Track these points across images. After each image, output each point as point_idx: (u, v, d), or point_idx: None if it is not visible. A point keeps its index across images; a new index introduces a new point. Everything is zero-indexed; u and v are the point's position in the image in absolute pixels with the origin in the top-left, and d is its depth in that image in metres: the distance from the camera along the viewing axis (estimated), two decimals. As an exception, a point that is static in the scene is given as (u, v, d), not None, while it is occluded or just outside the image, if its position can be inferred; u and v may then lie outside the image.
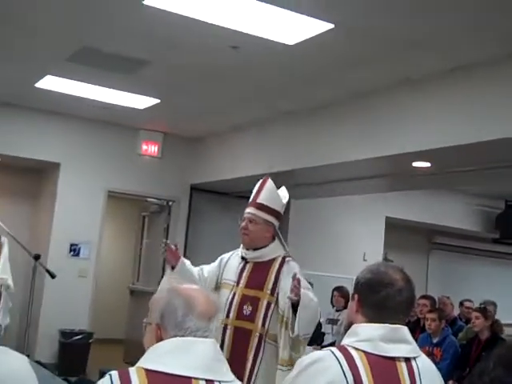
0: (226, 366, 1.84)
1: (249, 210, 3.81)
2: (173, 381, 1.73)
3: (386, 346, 1.92)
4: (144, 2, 4.83)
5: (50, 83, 7.36)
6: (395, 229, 11.26)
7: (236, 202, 9.98)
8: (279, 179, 7.89)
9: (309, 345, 7.64)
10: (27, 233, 8.78)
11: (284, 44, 5.45)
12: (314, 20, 4.93)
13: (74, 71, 6.87)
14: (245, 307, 3.65)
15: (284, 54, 5.68)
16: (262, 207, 3.77)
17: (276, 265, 3.69)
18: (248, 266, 3.78)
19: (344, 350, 1.92)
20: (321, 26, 5.03)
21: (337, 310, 8.32)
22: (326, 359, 1.89)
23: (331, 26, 5.00)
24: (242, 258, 3.79)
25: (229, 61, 6.05)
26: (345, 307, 8.02)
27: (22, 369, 1.62)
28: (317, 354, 1.95)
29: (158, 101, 7.73)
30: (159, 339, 1.84)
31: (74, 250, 8.74)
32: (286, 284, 3.52)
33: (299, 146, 7.59)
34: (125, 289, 10.38)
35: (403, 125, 6.26)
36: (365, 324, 1.98)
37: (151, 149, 9.41)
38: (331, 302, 8.46)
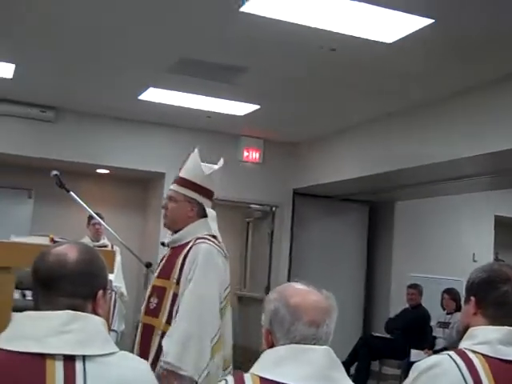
0: (344, 374, 1.79)
1: (171, 186, 3.32)
2: None
3: (505, 349, 1.83)
4: (241, 10, 4.87)
5: (153, 95, 7.57)
6: (506, 228, 10.84)
7: (340, 205, 9.93)
8: (383, 180, 7.71)
9: (420, 349, 7.54)
10: (137, 242, 9.03)
11: (382, 42, 5.37)
12: (412, 16, 4.83)
13: (175, 82, 7.03)
14: (152, 300, 3.11)
15: (382, 52, 5.59)
16: (182, 182, 3.24)
17: (187, 248, 3.06)
18: (167, 253, 3.26)
19: (463, 354, 1.84)
20: (420, 22, 4.92)
21: (448, 313, 8.09)
22: (444, 363, 1.82)
23: (431, 21, 4.87)
24: (162, 243, 3.32)
25: (327, 63, 6.01)
26: (456, 310, 7.78)
27: (146, 373, 1.65)
28: (434, 358, 1.88)
29: (257, 107, 7.78)
30: (270, 344, 1.82)
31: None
32: (185, 271, 2.98)
33: (404, 145, 7.45)
34: (232, 295, 10.48)
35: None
36: (482, 327, 1.89)
37: (253, 155, 9.49)
38: (441, 304, 8.24)
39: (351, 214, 10.04)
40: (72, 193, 4.21)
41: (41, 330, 1.54)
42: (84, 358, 1.53)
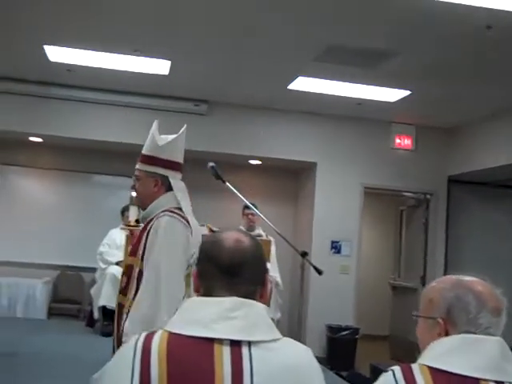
0: None
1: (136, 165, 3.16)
2: (459, 381, 1.64)
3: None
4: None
5: (302, 84, 7.59)
6: None
7: (497, 192, 9.47)
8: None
9: None
10: (290, 232, 9.11)
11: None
12: None
13: (323, 70, 7.00)
14: (123, 279, 3.01)
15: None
16: (142, 158, 3.10)
17: (151, 223, 2.94)
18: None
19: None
20: None
21: None
22: None
23: None
24: (136, 220, 3.25)
25: (482, 42, 5.74)
26: None
27: (309, 359, 1.65)
28: None
29: (408, 92, 7.59)
30: (445, 334, 1.76)
31: (335, 248, 8.92)
32: (148, 246, 2.86)
33: None
34: (386, 285, 10.35)
35: None
36: None
37: (404, 142, 9.28)
38: None
39: (508, 201, 9.56)
40: (228, 183, 4.30)
41: (209, 316, 1.58)
42: (249, 343, 1.56)
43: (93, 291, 6.46)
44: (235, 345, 1.55)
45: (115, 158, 9.17)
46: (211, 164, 4.36)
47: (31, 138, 8.78)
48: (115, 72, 7.48)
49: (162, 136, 3.10)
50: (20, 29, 6.29)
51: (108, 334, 6.02)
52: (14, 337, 5.80)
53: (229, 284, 1.64)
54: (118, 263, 6.25)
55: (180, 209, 2.94)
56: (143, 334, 1.61)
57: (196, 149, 8.60)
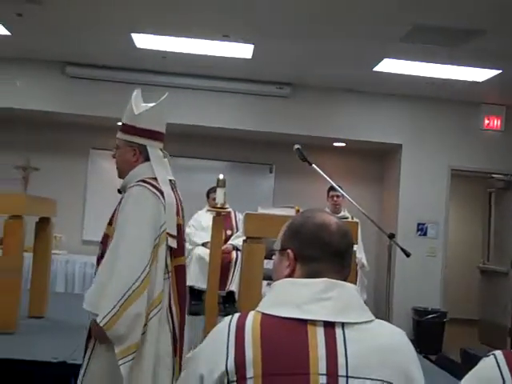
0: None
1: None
2: None
3: None
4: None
5: (388, 66, 7.47)
6: None
7: None
8: None
9: None
10: (375, 214, 9.03)
11: None
12: None
13: (409, 51, 6.88)
14: (100, 247, 2.95)
15: None
16: (121, 127, 2.99)
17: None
18: None
19: None
20: None
21: None
22: None
23: None
24: (118, 190, 3.05)
25: None
26: None
27: (403, 341, 1.65)
28: None
29: (499, 71, 7.35)
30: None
31: (422, 230, 8.79)
32: (118, 215, 2.81)
33: None
34: (474, 268, 10.12)
35: None
36: None
37: (494, 123, 9.01)
38: None
39: None
40: (314, 165, 4.30)
41: (302, 297, 1.59)
42: (343, 324, 1.57)
43: (180, 271, 6.63)
44: (329, 326, 1.56)
45: (201, 142, 9.32)
46: (297, 146, 4.35)
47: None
48: (201, 57, 7.58)
49: (142, 105, 3.00)
50: (108, 17, 6.48)
51: (196, 313, 6.15)
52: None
53: (339, 267, 1.66)
54: (204, 244, 6.38)
55: (155, 179, 2.86)
56: (236, 315, 1.64)
57: (280, 131, 8.64)
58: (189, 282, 6.37)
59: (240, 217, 6.51)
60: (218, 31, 6.68)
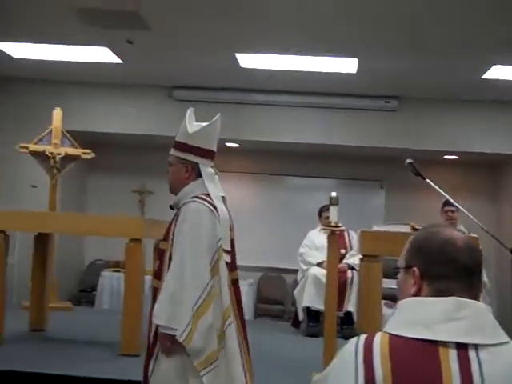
0: None
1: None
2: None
3: None
4: None
5: (498, 73, 7.23)
6: None
7: None
8: None
9: None
10: (492, 229, 8.68)
11: None
12: None
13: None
14: (155, 263, 3.04)
15: None
16: (175, 144, 3.09)
17: (181, 208, 2.97)
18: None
19: None
20: None
21: None
22: None
23: None
24: (170, 206, 3.11)
25: None
26: None
27: None
28: None
29: None
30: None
31: (545, 243, 8.39)
32: (176, 232, 2.88)
33: None
34: None
35: None
36: None
37: None
38: None
39: None
40: (428, 180, 4.21)
41: (432, 317, 1.52)
42: (476, 346, 1.49)
43: (296, 292, 6.59)
44: (461, 347, 1.48)
45: (309, 160, 9.33)
46: (409, 160, 4.29)
47: (228, 144, 9.19)
48: (306, 74, 7.61)
49: (196, 123, 3.11)
50: (213, 39, 6.62)
51: (313, 335, 6.12)
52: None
53: (467, 285, 1.58)
54: (318, 264, 6.34)
55: (208, 195, 2.94)
56: (362, 336, 1.59)
57: (388, 146, 8.52)
58: (305, 303, 6.37)
59: (353, 235, 6.44)
60: (322, 47, 6.68)
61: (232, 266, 2.95)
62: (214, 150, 3.11)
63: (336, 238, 4.68)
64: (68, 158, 7.05)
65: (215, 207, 2.92)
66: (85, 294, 9.47)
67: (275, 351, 5.48)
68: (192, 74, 8.09)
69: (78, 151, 7.11)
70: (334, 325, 4.61)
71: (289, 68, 7.42)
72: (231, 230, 3.01)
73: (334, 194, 4.61)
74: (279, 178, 9.65)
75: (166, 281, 2.81)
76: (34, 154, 6.87)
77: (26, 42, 7.16)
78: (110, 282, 8.99)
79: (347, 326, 6.11)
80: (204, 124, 3.10)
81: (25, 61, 7.82)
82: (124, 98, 8.80)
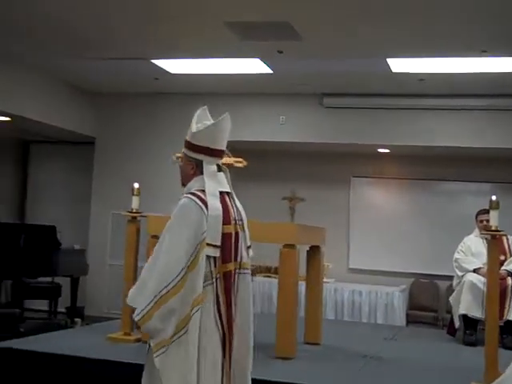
0: None
1: None
2: None
3: None
4: None
5: None
6: None
7: None
8: None
9: None
10: None
11: None
12: None
13: None
14: None
15: None
16: (184, 142, 3.21)
17: None
18: None
19: None
20: None
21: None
22: None
23: None
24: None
25: None
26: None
27: None
28: None
29: None
30: None
31: None
32: None
33: None
34: None
35: None
36: None
37: None
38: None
39: None
40: None
41: None
42: None
43: (452, 299, 6.40)
44: None
45: (462, 164, 9.07)
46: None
47: (379, 150, 9.13)
48: (459, 76, 7.43)
49: (206, 122, 3.19)
50: (364, 45, 6.62)
51: (471, 344, 5.93)
52: (377, 341, 6.04)
53: None
54: (475, 270, 6.14)
55: (203, 191, 3.04)
56: None
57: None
58: (462, 310, 6.18)
59: (513, 240, 6.17)
60: (476, 47, 6.48)
61: (226, 258, 3.05)
62: (220, 148, 3.18)
63: (496, 243, 4.50)
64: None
65: (205, 203, 3.02)
66: (237, 299, 9.73)
67: (430, 359, 5.38)
68: (342, 81, 8.12)
69: (230, 160, 7.29)
70: (496, 334, 4.42)
71: (440, 71, 7.28)
72: (228, 223, 3.09)
73: (494, 197, 4.44)
74: (431, 182, 9.45)
75: (144, 268, 3.04)
76: (188, 162, 7.18)
77: (182, 58, 7.52)
78: (262, 287, 9.19)
79: (507, 336, 5.85)
80: (208, 123, 3.19)
81: (181, 76, 8.22)
82: (274, 106, 9.00)
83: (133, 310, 2.98)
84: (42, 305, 9.05)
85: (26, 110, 8.32)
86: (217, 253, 3.00)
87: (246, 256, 3.18)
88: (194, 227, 2.96)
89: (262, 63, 7.45)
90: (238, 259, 3.11)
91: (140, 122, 9.44)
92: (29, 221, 10.34)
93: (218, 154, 3.17)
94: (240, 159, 7.24)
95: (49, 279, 8.84)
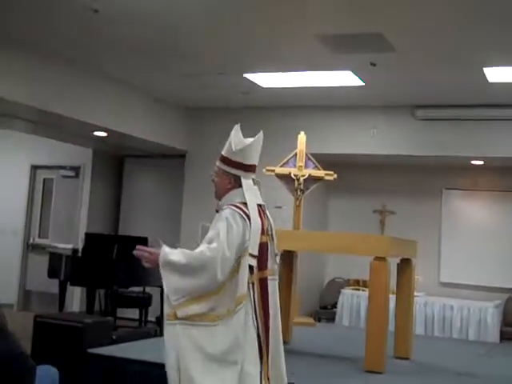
0: None
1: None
2: None
3: None
4: None
5: None
6: None
7: None
8: None
9: None
10: None
11: None
12: None
13: None
14: None
15: None
16: (220, 157, 3.52)
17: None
18: None
19: None
20: None
21: None
22: None
23: None
24: (216, 210, 3.50)
25: None
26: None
27: None
28: None
29: None
30: None
31: None
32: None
33: None
34: None
35: None
36: None
37: None
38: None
39: None
40: None
41: None
42: None
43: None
44: None
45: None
46: None
47: (473, 162, 8.93)
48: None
49: (241, 140, 3.50)
50: (460, 55, 6.50)
51: None
52: (469, 358, 5.89)
53: None
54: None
55: (245, 204, 3.34)
56: None
57: None
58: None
59: None
60: None
61: (261, 266, 3.32)
62: (254, 163, 3.52)
63: None
64: (311, 180, 7.27)
65: (248, 216, 3.30)
66: (325, 311, 9.71)
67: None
68: (435, 92, 7.99)
69: (321, 173, 7.32)
70: None
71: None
72: (264, 234, 3.37)
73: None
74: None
75: (203, 254, 3.19)
76: (280, 176, 7.20)
77: (274, 71, 7.59)
78: (350, 300, 9.13)
79: None
80: (247, 142, 3.50)
81: (272, 89, 8.29)
82: (365, 119, 8.95)
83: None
84: (133, 313, 9.27)
85: (122, 125, 8.61)
86: (254, 262, 3.27)
87: (274, 263, 3.45)
88: (238, 236, 3.24)
89: (353, 75, 7.42)
90: (269, 266, 3.39)
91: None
92: (122, 232, 10.63)
93: (253, 169, 3.52)
94: (330, 172, 7.25)
95: (140, 289, 9.04)
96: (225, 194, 3.47)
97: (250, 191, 3.44)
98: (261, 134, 3.58)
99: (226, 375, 3.12)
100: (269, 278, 3.36)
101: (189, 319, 3.18)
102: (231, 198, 3.41)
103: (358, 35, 6.03)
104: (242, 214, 3.29)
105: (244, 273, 3.21)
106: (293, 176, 6.98)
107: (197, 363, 3.11)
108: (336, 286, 9.73)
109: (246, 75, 7.76)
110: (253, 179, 3.51)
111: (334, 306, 9.37)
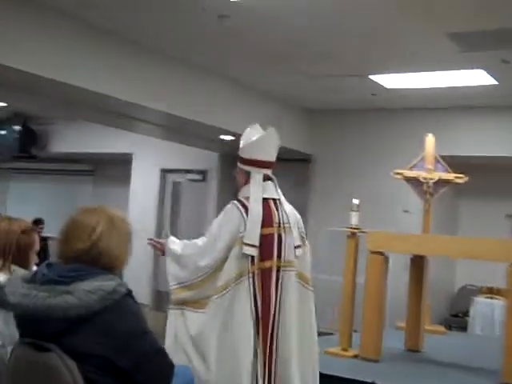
0: None
1: None
2: None
3: None
4: None
5: None
6: None
7: None
8: None
9: None
10: None
11: None
12: None
13: None
14: None
15: None
16: (238, 155, 3.68)
17: None
18: None
19: None
20: None
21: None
22: None
23: None
24: None
25: None
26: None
27: None
28: None
29: None
30: None
31: None
32: None
33: None
34: None
35: None
36: None
37: None
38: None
39: None
40: None
41: None
42: None
43: None
44: None
45: None
46: None
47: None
48: None
49: (249, 136, 3.63)
50: None
51: None
52: None
53: None
54: None
55: (248, 198, 3.47)
56: None
57: None
58: None
59: None
60: None
61: (264, 256, 3.39)
62: (266, 159, 3.62)
63: None
64: (440, 183, 7.07)
65: (246, 208, 3.43)
66: (456, 319, 9.41)
67: None
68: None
69: (450, 176, 7.09)
70: None
71: None
72: (271, 226, 3.45)
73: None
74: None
75: (196, 244, 3.59)
76: (408, 179, 7.03)
77: (399, 72, 7.44)
78: (483, 308, 8.79)
79: None
80: (253, 138, 3.61)
81: (397, 90, 8.14)
82: (499, 119, 8.58)
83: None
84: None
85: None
86: (254, 252, 3.35)
87: (293, 255, 3.47)
88: (232, 227, 3.41)
89: (485, 74, 7.13)
90: (283, 257, 3.42)
91: (355, 139, 9.45)
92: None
93: (264, 164, 3.61)
94: (461, 175, 6.99)
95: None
96: (240, 190, 3.65)
97: (257, 186, 3.54)
98: (272, 129, 3.65)
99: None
100: (282, 269, 3.41)
101: (182, 304, 3.45)
102: (242, 193, 3.59)
103: (489, 32, 5.78)
104: (239, 206, 3.47)
105: (232, 261, 3.35)
106: (422, 179, 6.80)
107: (187, 346, 3.33)
108: (467, 294, 9.40)
109: (370, 76, 7.65)
110: (267, 175, 3.61)
111: (466, 314, 9.06)
